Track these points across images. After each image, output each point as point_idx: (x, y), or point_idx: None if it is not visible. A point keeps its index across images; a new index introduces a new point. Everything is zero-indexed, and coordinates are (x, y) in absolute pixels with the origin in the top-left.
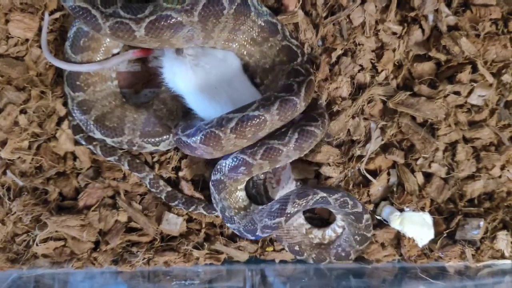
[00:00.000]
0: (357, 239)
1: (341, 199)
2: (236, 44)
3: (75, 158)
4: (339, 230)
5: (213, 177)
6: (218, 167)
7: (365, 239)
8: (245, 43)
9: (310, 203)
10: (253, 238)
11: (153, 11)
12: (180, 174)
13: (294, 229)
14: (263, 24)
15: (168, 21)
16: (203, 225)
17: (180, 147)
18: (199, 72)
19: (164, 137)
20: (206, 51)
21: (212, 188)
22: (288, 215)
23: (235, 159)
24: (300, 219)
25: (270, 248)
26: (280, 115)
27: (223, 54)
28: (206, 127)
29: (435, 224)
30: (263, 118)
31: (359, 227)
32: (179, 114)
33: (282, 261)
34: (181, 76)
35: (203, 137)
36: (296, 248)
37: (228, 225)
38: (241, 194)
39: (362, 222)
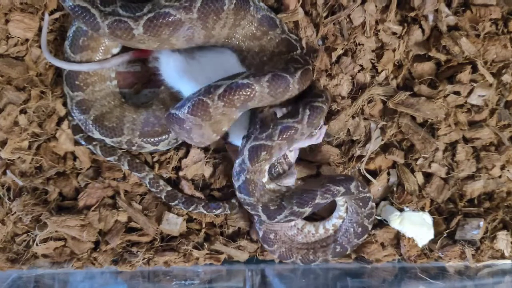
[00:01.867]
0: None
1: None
2: (236, 41)
3: (75, 158)
4: (335, 226)
5: (237, 184)
6: (238, 169)
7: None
8: (244, 38)
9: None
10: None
11: (151, 9)
12: (181, 173)
13: (284, 234)
14: (262, 18)
15: (167, 19)
16: (203, 225)
17: (169, 124)
18: (195, 65)
19: (164, 136)
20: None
21: (241, 195)
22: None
23: (252, 149)
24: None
25: None
26: (270, 89)
27: (220, 48)
28: (194, 96)
29: (435, 224)
30: (252, 87)
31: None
32: None
33: (282, 261)
34: (177, 69)
35: (191, 106)
36: (284, 253)
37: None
38: (272, 186)
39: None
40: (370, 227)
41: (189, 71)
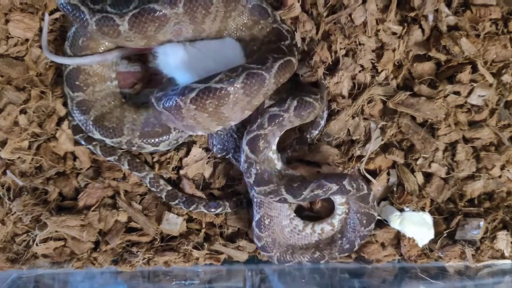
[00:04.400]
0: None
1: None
2: (227, 32)
3: (75, 158)
4: (325, 229)
5: (251, 180)
6: (245, 165)
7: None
8: (235, 30)
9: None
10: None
11: (137, 5)
12: (181, 172)
13: (279, 223)
14: (253, 8)
15: (152, 14)
16: (203, 225)
17: (151, 106)
18: (195, 54)
19: (164, 137)
20: None
21: (259, 188)
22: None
23: (249, 142)
24: (288, 211)
25: None
26: (245, 89)
27: (222, 38)
28: (171, 93)
29: (435, 224)
30: (225, 91)
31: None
32: None
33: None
34: (175, 57)
35: (165, 103)
36: (269, 245)
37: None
38: (289, 172)
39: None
40: (357, 247)
41: (188, 62)
